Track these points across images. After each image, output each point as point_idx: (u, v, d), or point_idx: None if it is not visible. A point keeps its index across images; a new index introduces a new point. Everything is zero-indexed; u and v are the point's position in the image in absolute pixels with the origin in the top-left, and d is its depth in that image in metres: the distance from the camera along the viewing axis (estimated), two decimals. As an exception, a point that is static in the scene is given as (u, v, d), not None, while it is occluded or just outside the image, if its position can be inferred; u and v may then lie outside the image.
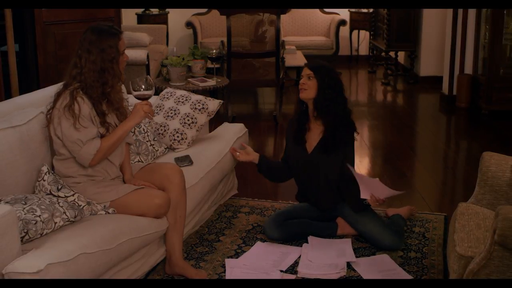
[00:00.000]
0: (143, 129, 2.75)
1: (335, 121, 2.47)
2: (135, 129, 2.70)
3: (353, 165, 2.51)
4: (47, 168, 2.13)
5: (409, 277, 2.27)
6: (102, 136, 2.14)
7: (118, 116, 2.21)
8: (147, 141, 2.73)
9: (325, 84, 2.46)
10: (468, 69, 5.00)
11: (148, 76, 2.23)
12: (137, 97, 2.17)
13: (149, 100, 2.20)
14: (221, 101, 3.01)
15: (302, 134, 2.54)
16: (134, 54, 4.79)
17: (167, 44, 6.28)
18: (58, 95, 2.13)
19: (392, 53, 6.26)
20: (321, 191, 2.54)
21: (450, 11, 5.11)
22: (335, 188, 2.53)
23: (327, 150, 2.48)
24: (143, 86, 2.16)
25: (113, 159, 2.21)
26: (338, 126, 2.47)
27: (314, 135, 2.53)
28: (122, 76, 2.18)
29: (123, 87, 2.38)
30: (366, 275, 2.27)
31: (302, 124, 2.54)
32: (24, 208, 1.89)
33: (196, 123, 2.87)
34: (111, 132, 2.15)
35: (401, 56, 6.49)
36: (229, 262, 2.37)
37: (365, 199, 2.40)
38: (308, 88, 2.47)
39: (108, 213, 2.15)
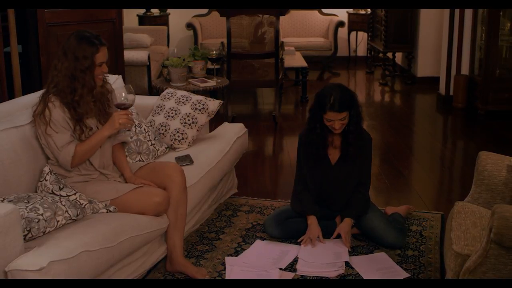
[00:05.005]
0: (144, 129, 2.77)
1: (353, 135, 2.45)
2: (136, 129, 2.73)
3: (369, 176, 2.56)
4: (49, 169, 2.15)
5: (406, 274, 2.30)
6: (79, 138, 2.15)
7: (100, 121, 2.19)
8: (148, 141, 2.75)
9: (353, 118, 2.40)
10: (465, 70, 5.03)
11: (129, 85, 2.18)
12: (117, 106, 2.16)
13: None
14: (221, 102, 3.03)
15: (325, 151, 2.50)
16: (135, 55, 4.82)
17: (167, 45, 6.30)
18: (41, 97, 2.16)
19: (389, 54, 6.30)
20: (340, 196, 2.56)
21: (447, 13, 5.15)
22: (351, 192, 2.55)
23: (349, 160, 2.49)
24: (123, 95, 2.12)
25: (93, 161, 2.22)
26: (353, 142, 2.46)
27: (335, 147, 2.52)
28: (94, 90, 2.14)
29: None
30: (364, 273, 2.30)
31: (323, 142, 2.47)
32: (27, 206, 1.91)
33: (196, 123, 2.90)
34: (87, 137, 2.15)
35: (399, 57, 6.53)
36: (229, 260, 2.39)
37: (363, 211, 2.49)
38: (343, 126, 2.41)
39: (110, 211, 2.17)
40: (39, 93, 2.53)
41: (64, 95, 2.12)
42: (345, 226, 2.49)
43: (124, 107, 2.15)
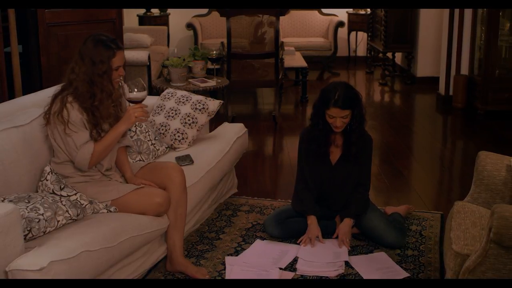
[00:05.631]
0: (145, 129, 2.78)
1: (355, 135, 2.45)
2: (136, 128, 2.74)
3: (368, 176, 2.56)
4: (50, 168, 2.16)
5: (406, 274, 2.31)
6: (95, 140, 2.15)
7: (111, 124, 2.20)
8: (148, 141, 2.76)
9: (355, 118, 2.41)
10: (464, 70, 5.04)
11: (140, 79, 2.19)
12: (130, 101, 2.15)
13: (144, 102, 2.16)
14: (221, 102, 3.04)
15: (327, 149, 2.50)
16: (135, 55, 4.83)
17: (168, 45, 6.31)
18: (55, 97, 2.15)
19: (389, 54, 6.31)
20: (339, 196, 2.56)
21: (446, 13, 5.16)
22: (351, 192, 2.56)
23: (350, 160, 2.49)
24: (135, 90, 2.12)
25: (103, 162, 2.23)
26: (356, 141, 2.46)
27: (336, 146, 2.53)
28: (113, 94, 2.14)
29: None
30: (364, 273, 2.30)
31: (325, 139, 2.47)
32: (27, 206, 1.91)
33: (196, 123, 2.90)
34: (103, 136, 2.16)
35: (398, 57, 6.54)
36: (229, 260, 2.40)
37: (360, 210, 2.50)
38: (344, 124, 2.41)
39: (110, 211, 2.17)
40: (40, 94, 2.55)
41: (83, 100, 2.12)
42: (343, 227, 2.50)
43: (137, 101, 2.15)
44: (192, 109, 2.93)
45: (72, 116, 2.10)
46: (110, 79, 2.13)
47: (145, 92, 2.17)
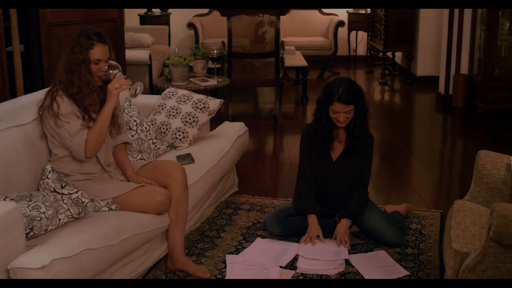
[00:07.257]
0: (145, 128, 2.79)
1: (359, 129, 2.46)
2: (137, 127, 2.75)
3: (368, 175, 2.56)
4: (51, 167, 2.16)
5: (406, 272, 2.32)
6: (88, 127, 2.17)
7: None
8: (149, 139, 2.77)
9: (359, 112, 2.42)
10: (464, 69, 5.05)
11: (107, 59, 2.19)
12: (105, 81, 2.17)
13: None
14: (222, 101, 3.05)
15: (330, 145, 2.50)
16: (136, 55, 4.84)
17: (169, 44, 6.33)
18: (47, 93, 2.18)
19: (389, 54, 6.32)
20: (339, 193, 2.57)
21: (446, 12, 5.16)
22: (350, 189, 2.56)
23: (352, 156, 2.50)
24: (110, 71, 2.15)
25: (99, 156, 2.24)
26: (359, 135, 2.47)
27: (339, 142, 2.53)
28: (91, 84, 2.14)
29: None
30: (364, 271, 2.31)
31: (329, 134, 2.48)
32: (29, 205, 1.92)
33: (197, 122, 2.91)
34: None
35: (398, 56, 6.55)
36: (229, 258, 2.41)
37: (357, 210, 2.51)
38: (348, 120, 2.42)
39: (111, 209, 2.18)
40: (41, 92, 2.55)
41: (66, 89, 2.15)
42: (340, 227, 2.50)
43: (109, 79, 2.16)
44: (193, 108, 2.94)
45: (63, 108, 2.12)
46: (88, 69, 2.14)
47: (114, 66, 2.16)
